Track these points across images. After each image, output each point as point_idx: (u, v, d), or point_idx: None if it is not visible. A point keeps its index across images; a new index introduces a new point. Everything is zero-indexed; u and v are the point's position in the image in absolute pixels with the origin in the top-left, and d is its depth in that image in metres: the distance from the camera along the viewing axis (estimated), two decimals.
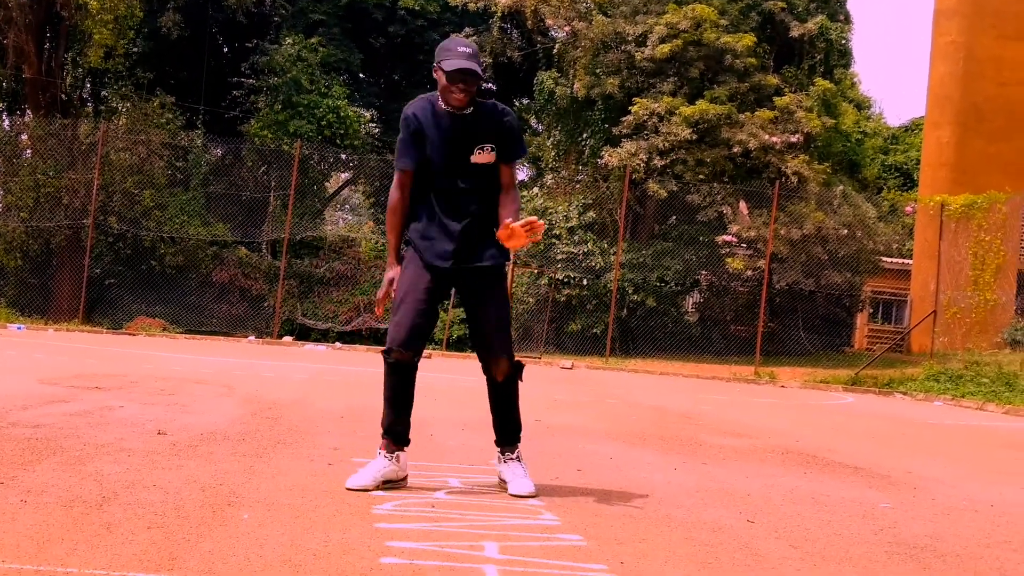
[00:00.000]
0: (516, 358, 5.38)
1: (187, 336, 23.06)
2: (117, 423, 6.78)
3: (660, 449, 7.61)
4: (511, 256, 5.46)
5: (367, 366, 16.80)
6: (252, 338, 23.81)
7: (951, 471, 7.66)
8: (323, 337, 25.09)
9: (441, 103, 5.28)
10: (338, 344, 23.97)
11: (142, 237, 25.23)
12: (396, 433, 5.26)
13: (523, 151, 5.51)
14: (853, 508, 5.47)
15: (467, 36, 28.96)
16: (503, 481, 5.32)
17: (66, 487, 4.47)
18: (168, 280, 25.53)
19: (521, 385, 5.44)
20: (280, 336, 24.33)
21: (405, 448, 5.27)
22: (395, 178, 5.35)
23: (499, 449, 5.42)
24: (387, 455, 5.18)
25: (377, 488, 5.01)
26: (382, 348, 5.42)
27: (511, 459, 5.35)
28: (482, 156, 5.27)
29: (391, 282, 5.33)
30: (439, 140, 5.25)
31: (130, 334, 22.32)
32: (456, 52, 5.23)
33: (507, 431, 5.41)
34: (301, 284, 26.47)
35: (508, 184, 5.39)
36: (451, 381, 14.24)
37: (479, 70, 5.20)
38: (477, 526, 4.29)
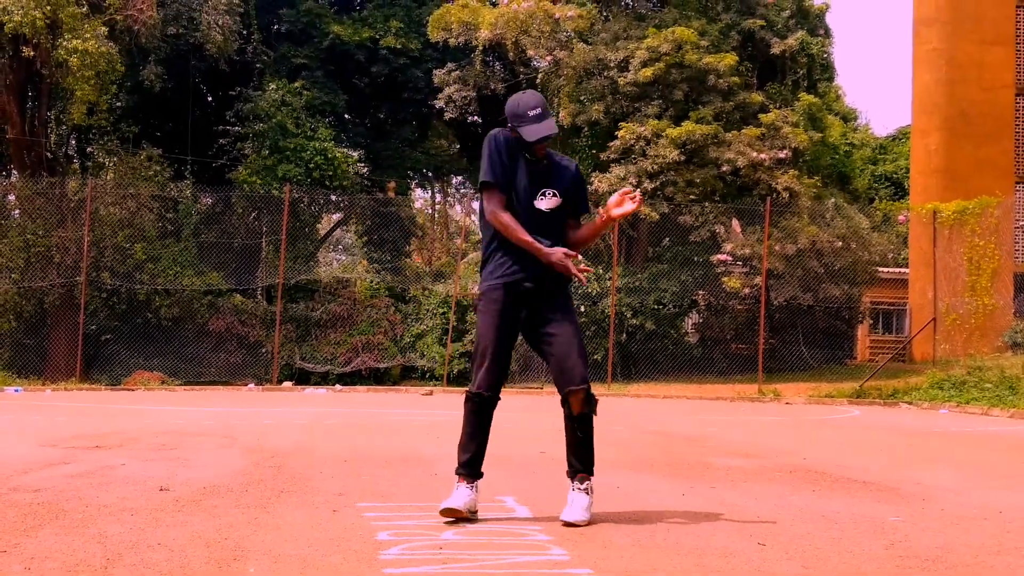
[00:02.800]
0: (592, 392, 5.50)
1: (186, 388, 22.99)
2: (119, 482, 6.72)
3: (667, 474, 7.56)
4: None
5: (368, 407, 16.74)
6: (252, 385, 23.75)
7: (959, 479, 7.61)
8: (323, 380, 25.01)
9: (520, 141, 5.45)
10: (338, 386, 23.91)
11: (136, 291, 25.17)
12: (474, 466, 5.48)
13: (584, 210, 5.75)
14: (863, 524, 5.42)
15: (449, 72, 29.08)
16: None
17: (70, 551, 4.42)
18: (164, 332, 25.45)
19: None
20: (280, 381, 24.27)
21: (479, 480, 5.49)
22: (491, 200, 5.44)
23: (571, 480, 5.48)
24: (468, 485, 5.40)
25: (469, 512, 5.32)
26: (465, 391, 5.59)
27: (579, 489, 5.41)
28: (545, 202, 5.46)
29: (565, 253, 5.39)
30: (518, 171, 5.42)
31: (129, 389, 22.24)
32: (530, 117, 5.35)
33: (581, 461, 5.50)
34: (298, 328, 26.41)
35: (576, 226, 5.71)
36: (454, 418, 14.17)
37: (554, 126, 5.36)
38: (486, 566, 4.24)
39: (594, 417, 5.51)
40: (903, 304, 31.94)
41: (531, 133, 5.29)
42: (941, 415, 16.81)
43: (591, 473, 5.48)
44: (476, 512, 5.41)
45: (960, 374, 19.69)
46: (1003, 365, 19.52)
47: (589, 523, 5.23)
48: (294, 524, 5.18)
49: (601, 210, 5.62)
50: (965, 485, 7.24)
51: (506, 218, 5.38)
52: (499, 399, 5.50)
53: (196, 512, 5.52)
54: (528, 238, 5.34)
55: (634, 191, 5.54)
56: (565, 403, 5.44)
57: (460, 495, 5.34)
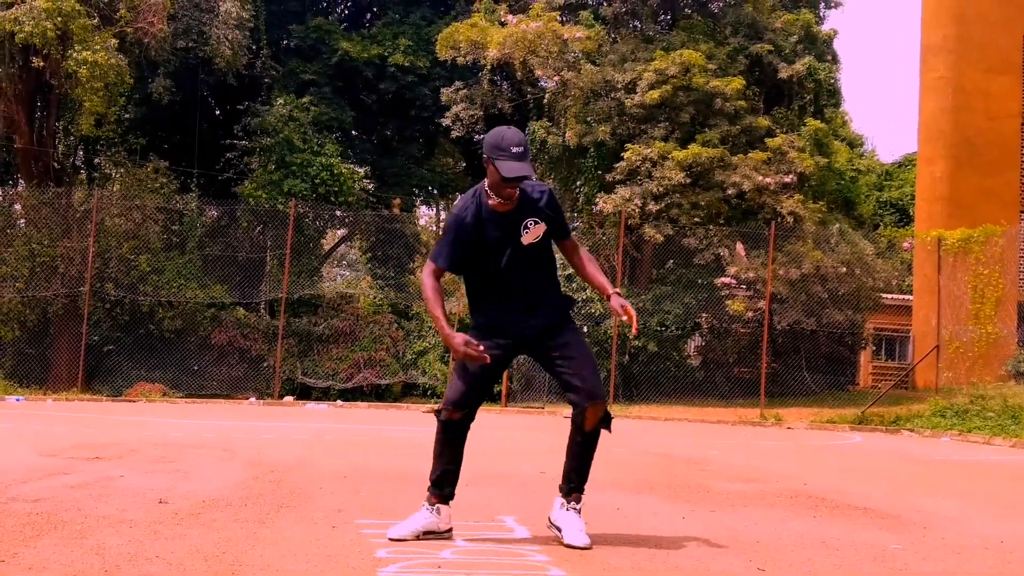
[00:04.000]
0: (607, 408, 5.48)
1: (187, 400, 22.97)
2: (118, 493, 6.71)
3: (668, 497, 7.54)
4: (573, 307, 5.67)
5: (369, 423, 16.72)
6: (253, 399, 23.74)
7: (960, 508, 7.59)
8: (324, 395, 25.00)
9: (489, 198, 5.41)
10: (339, 402, 23.89)
11: (139, 302, 25.18)
12: (441, 486, 5.45)
13: (568, 227, 5.73)
14: (864, 551, 5.41)
15: (457, 90, 29.12)
16: (557, 529, 5.38)
17: (68, 562, 4.41)
18: (167, 344, 25.45)
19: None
20: (281, 396, 24.25)
21: (449, 502, 5.45)
22: (428, 268, 5.48)
23: (564, 497, 5.46)
24: (429, 507, 5.39)
25: (416, 539, 5.24)
26: (434, 407, 5.67)
27: (574, 508, 5.40)
28: (530, 234, 5.43)
29: (466, 341, 5.27)
30: (490, 234, 5.40)
31: (130, 401, 22.23)
32: (511, 153, 5.30)
33: (580, 479, 5.48)
34: (300, 342, 26.40)
35: (573, 247, 5.66)
36: None
37: (531, 169, 5.35)
38: None
39: (606, 433, 5.50)
40: (906, 331, 31.89)
41: (508, 170, 5.23)
42: (943, 443, 16.78)
43: (582, 492, 5.49)
44: (451, 531, 5.41)
45: (963, 402, 19.64)
46: (1006, 394, 19.48)
47: (591, 545, 5.21)
48: (293, 539, 5.17)
49: (614, 300, 5.49)
50: (967, 514, 7.22)
51: (429, 291, 5.43)
52: (468, 426, 5.49)
53: (195, 525, 5.52)
54: (439, 314, 5.34)
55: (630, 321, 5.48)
56: (579, 417, 5.40)
57: (413, 521, 5.35)
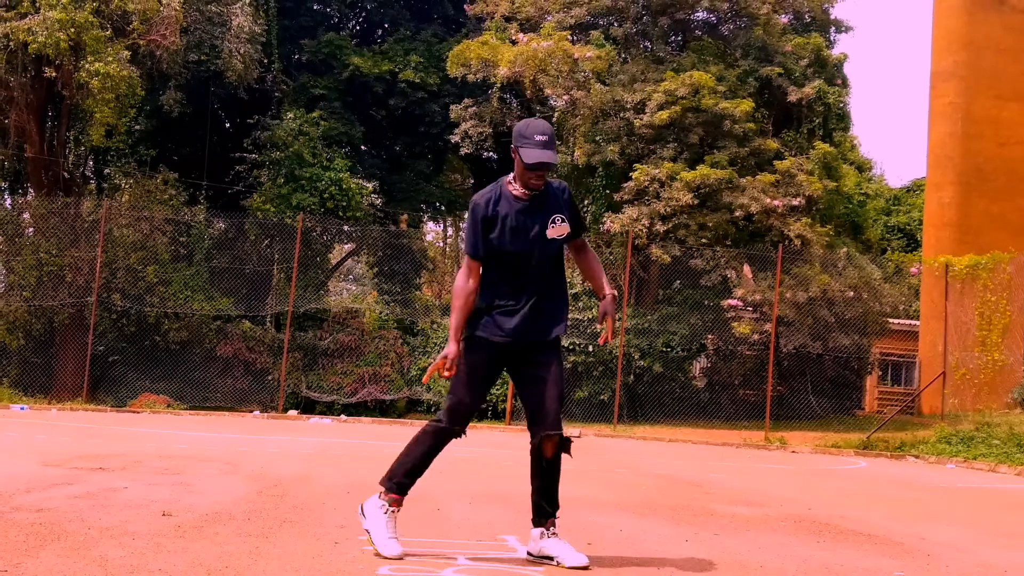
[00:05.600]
0: (565, 434, 5.46)
1: (192, 412, 22.96)
2: (121, 505, 6.70)
3: (671, 520, 7.52)
4: (566, 328, 5.64)
5: (373, 439, 16.70)
6: (257, 412, 23.73)
7: (964, 536, 7.56)
8: (328, 409, 24.97)
9: (512, 187, 5.48)
10: (343, 416, 23.86)
11: (146, 313, 25.20)
12: (406, 486, 5.47)
13: (584, 225, 5.77)
14: None
15: (466, 107, 29.19)
16: (546, 558, 5.35)
17: (70, 573, 4.41)
18: (172, 356, 25.46)
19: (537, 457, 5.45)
20: (285, 409, 24.23)
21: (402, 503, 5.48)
22: (465, 263, 5.53)
23: (542, 525, 5.43)
24: (391, 509, 5.36)
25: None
26: (432, 418, 5.65)
27: (555, 534, 5.38)
28: (556, 230, 5.47)
29: (446, 359, 5.38)
30: (511, 223, 5.42)
31: (134, 412, 22.22)
32: (535, 141, 5.35)
33: (551, 504, 5.45)
34: (305, 356, 26.39)
35: (583, 244, 5.73)
36: (457, 453, 14.13)
37: (555, 158, 5.37)
38: None
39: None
40: (913, 356, 31.82)
41: (530, 156, 5.29)
42: (948, 470, 16.72)
43: (556, 516, 5.48)
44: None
45: (968, 429, 19.58)
46: (1012, 422, 19.42)
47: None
48: (295, 555, 5.16)
49: (603, 304, 5.59)
50: (970, 542, 7.19)
51: (458, 295, 5.45)
52: (457, 436, 5.51)
53: (198, 539, 5.51)
54: (454, 324, 5.42)
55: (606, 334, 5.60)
56: (538, 446, 5.42)
57: (390, 531, 5.31)
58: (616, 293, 5.60)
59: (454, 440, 5.51)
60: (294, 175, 28.06)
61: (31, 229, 26.44)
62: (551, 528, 5.39)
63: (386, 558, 5.14)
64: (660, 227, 24.20)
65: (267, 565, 4.84)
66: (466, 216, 5.67)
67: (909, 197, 46.36)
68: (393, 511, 5.35)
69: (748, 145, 25.25)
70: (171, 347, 25.50)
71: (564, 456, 5.43)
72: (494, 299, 5.45)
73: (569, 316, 5.69)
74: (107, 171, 30.02)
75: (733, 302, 24.31)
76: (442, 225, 50.25)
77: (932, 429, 20.60)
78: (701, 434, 21.84)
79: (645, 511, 8.01)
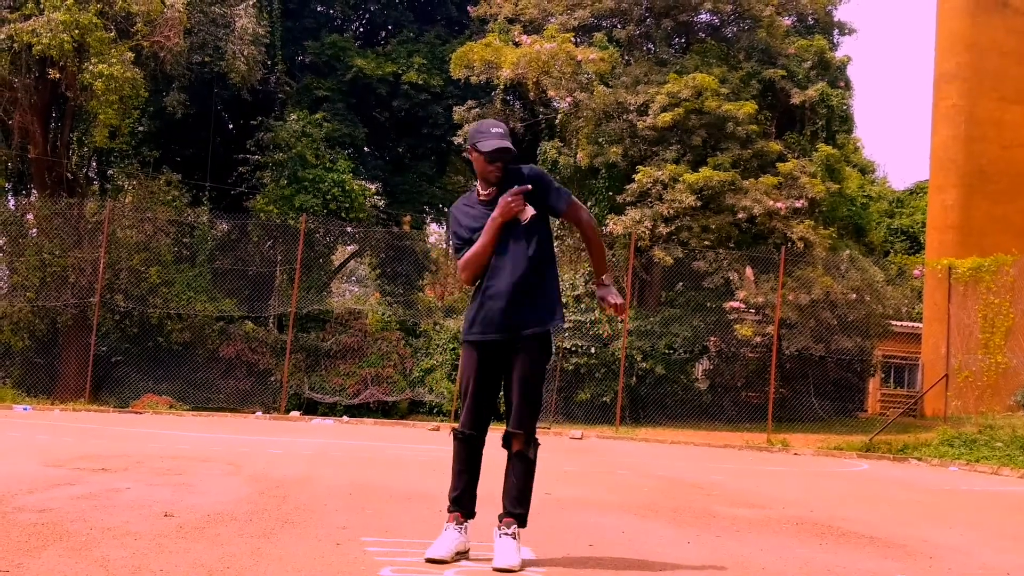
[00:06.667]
0: (536, 436, 5.54)
1: (194, 413, 22.97)
2: (123, 506, 6.71)
3: (673, 521, 7.52)
4: (561, 322, 5.64)
5: (375, 440, 16.70)
6: (259, 413, 23.73)
7: (967, 538, 7.55)
8: (330, 411, 24.96)
9: (478, 191, 5.59)
10: (345, 418, 23.86)
11: (149, 314, 25.21)
12: (461, 503, 5.49)
13: (565, 192, 5.69)
14: None
15: (469, 109, 29.18)
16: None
17: (72, 574, 4.41)
18: (175, 357, 25.46)
19: (537, 456, 5.49)
20: (287, 411, 24.23)
21: (470, 520, 5.50)
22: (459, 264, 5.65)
23: (500, 521, 5.43)
24: (457, 525, 5.40)
25: (453, 560, 5.24)
26: (452, 427, 5.75)
27: (507, 534, 5.33)
28: (526, 211, 5.48)
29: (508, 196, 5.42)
30: (480, 221, 5.50)
31: (137, 412, 22.23)
32: (491, 133, 5.48)
33: (514, 503, 5.46)
34: (308, 357, 26.38)
35: (575, 216, 5.68)
36: None
37: (511, 146, 5.45)
38: None
39: (533, 459, 5.52)
40: (915, 359, 31.80)
41: (488, 145, 5.41)
42: (951, 472, 16.71)
43: (522, 523, 5.43)
44: (468, 552, 5.41)
45: (971, 432, 19.57)
46: (1015, 424, 19.40)
47: (523, 567, 5.16)
48: (297, 556, 5.17)
49: (601, 289, 5.69)
50: (973, 544, 7.19)
51: (467, 255, 5.51)
52: (484, 437, 5.56)
53: (200, 540, 5.51)
54: (486, 237, 5.44)
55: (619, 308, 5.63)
56: (506, 440, 5.52)
57: (446, 540, 5.33)
58: (611, 275, 5.64)
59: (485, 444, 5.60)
60: (297, 176, 28.07)
61: (35, 230, 26.43)
62: (503, 527, 5.36)
63: (427, 559, 5.20)
64: (663, 229, 24.19)
65: (268, 566, 4.84)
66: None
67: (912, 199, 46.34)
68: (449, 524, 5.42)
69: (751, 147, 25.24)
70: (174, 348, 25.52)
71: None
72: (477, 303, 5.53)
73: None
74: (110, 172, 30.02)
75: (736, 304, 24.30)
76: (445, 227, 50.28)
77: (935, 431, 20.58)
78: (703, 436, 21.83)
79: (647, 513, 8.00)
